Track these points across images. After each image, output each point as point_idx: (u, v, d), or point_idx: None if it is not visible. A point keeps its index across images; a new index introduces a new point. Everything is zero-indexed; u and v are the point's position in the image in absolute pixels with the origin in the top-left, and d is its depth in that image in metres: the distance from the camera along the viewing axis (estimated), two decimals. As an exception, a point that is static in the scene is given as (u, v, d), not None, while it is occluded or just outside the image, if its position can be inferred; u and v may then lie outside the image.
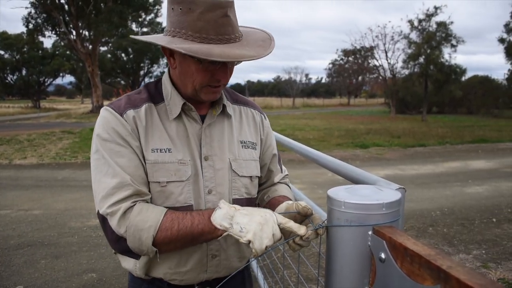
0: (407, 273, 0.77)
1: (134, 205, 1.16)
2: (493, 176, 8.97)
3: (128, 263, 1.34)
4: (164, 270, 1.31)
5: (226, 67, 1.22)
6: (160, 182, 1.23)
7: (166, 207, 1.23)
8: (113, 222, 1.15)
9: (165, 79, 1.35)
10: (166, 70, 1.38)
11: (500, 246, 4.77)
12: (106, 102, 32.99)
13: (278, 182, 1.57)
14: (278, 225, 1.07)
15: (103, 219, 1.18)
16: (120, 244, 1.17)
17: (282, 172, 1.60)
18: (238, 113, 1.48)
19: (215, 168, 1.33)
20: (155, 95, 1.33)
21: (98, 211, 1.19)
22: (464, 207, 6.40)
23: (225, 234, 1.09)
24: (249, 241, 1.04)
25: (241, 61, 1.22)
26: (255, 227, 1.05)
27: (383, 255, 0.83)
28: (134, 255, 1.21)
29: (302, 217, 1.15)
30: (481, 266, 4.21)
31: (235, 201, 1.36)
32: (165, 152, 1.25)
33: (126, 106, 1.27)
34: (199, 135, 1.32)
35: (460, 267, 0.67)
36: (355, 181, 1.42)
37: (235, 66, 1.30)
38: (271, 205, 1.42)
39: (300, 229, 1.06)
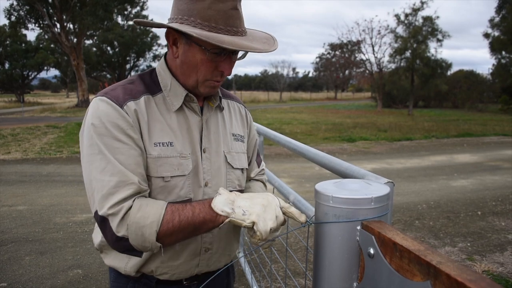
0: (396, 269, 0.76)
1: (133, 203, 1.12)
2: (478, 169, 9.07)
3: (116, 261, 1.31)
4: (156, 264, 1.29)
5: (230, 60, 1.21)
6: (164, 177, 1.21)
7: (169, 202, 1.21)
8: (113, 224, 1.10)
9: (162, 69, 1.31)
10: (161, 59, 1.34)
11: (485, 238, 4.83)
12: (91, 96, 32.63)
13: (253, 179, 1.59)
14: (280, 209, 1.07)
15: (102, 220, 1.11)
16: (121, 244, 1.12)
17: (259, 167, 1.62)
18: (227, 106, 1.48)
19: (211, 161, 1.32)
20: (151, 86, 1.29)
21: (96, 211, 1.12)
22: (450, 200, 6.47)
23: (227, 220, 1.07)
24: (253, 223, 1.02)
25: (245, 55, 1.24)
26: (258, 208, 1.05)
27: (372, 251, 0.82)
28: (137, 252, 1.17)
29: None
30: (467, 258, 4.25)
31: None
32: (167, 146, 1.22)
33: (125, 97, 1.20)
34: (200, 127, 1.31)
35: (450, 263, 0.66)
36: (343, 175, 1.41)
37: (236, 62, 1.28)
38: None
39: (301, 216, 1.06)
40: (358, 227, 0.87)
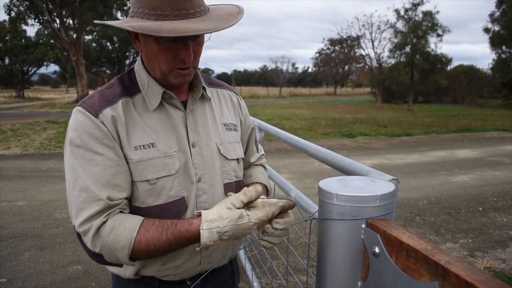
0: (403, 268, 0.74)
1: (106, 220, 1.10)
2: (479, 165, 9.06)
3: (115, 268, 1.31)
4: (156, 267, 1.27)
5: (188, 45, 1.14)
6: (149, 180, 1.18)
7: (159, 205, 1.19)
8: (87, 241, 1.10)
9: (138, 68, 1.27)
10: (138, 57, 1.30)
11: (486, 234, 4.82)
12: (91, 91, 32.69)
13: (253, 164, 1.57)
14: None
15: (78, 235, 1.14)
16: (99, 258, 1.13)
17: (258, 152, 1.60)
18: (216, 95, 1.43)
19: (202, 155, 1.28)
20: (129, 87, 1.25)
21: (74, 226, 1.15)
22: (451, 196, 6.46)
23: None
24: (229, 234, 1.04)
25: (209, 36, 1.17)
26: (227, 217, 1.04)
27: (377, 249, 0.80)
28: (117, 264, 1.17)
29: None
30: (468, 255, 4.24)
31: (226, 186, 1.34)
32: (149, 147, 1.19)
33: (101, 104, 1.17)
34: (184, 121, 1.27)
35: (459, 263, 0.64)
36: (345, 171, 1.39)
37: (203, 45, 1.23)
38: None
39: (279, 202, 1.09)
40: (363, 225, 0.85)
